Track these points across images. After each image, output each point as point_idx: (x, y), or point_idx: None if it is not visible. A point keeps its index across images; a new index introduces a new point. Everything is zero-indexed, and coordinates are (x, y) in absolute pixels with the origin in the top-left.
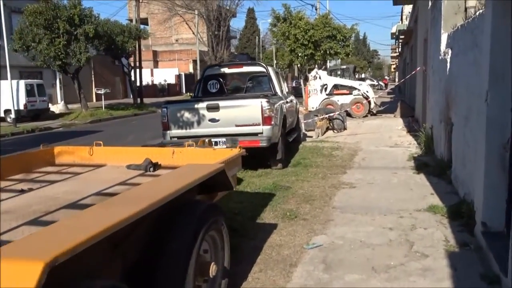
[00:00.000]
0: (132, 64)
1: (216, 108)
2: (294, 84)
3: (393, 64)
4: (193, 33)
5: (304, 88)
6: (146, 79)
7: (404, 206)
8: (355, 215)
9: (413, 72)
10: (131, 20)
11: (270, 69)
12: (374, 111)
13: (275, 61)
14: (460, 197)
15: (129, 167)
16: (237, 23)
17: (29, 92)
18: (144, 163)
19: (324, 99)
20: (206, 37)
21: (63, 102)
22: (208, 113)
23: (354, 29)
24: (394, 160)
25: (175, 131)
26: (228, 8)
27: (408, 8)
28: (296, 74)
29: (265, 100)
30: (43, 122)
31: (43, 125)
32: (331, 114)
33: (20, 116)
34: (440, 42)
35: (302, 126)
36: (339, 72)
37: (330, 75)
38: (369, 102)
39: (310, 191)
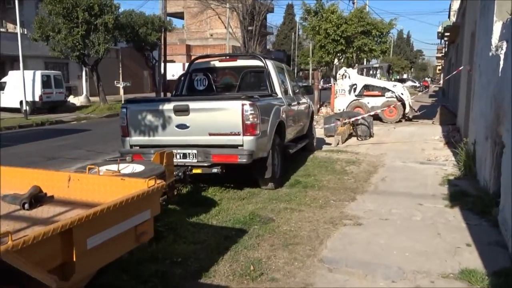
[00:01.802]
0: (157, 58)
1: (185, 111)
2: (322, 84)
3: (439, 65)
4: (225, 27)
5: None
6: (179, 72)
7: (424, 266)
8: (349, 276)
9: (455, 72)
10: (168, 14)
11: (269, 63)
12: (410, 116)
13: (311, 59)
14: (511, 254)
15: (4, 197)
16: (276, 20)
17: (45, 84)
18: (27, 193)
19: (353, 101)
20: (240, 32)
21: (84, 94)
22: (176, 117)
23: (392, 24)
24: (422, 183)
25: (136, 138)
26: (262, 2)
27: (457, 4)
28: (334, 73)
29: (249, 102)
30: (58, 115)
31: (55, 118)
32: (356, 119)
33: (36, 108)
34: (492, 34)
35: (315, 132)
36: (371, 71)
37: (361, 74)
38: (404, 106)
39: (297, 229)
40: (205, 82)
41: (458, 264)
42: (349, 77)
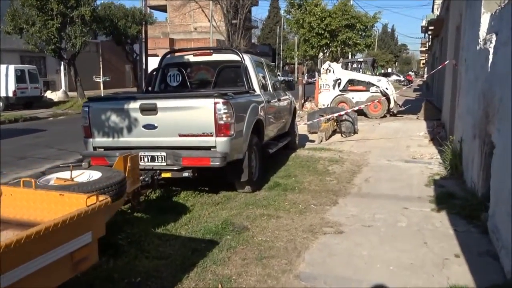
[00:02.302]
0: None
1: (152, 110)
2: (306, 78)
3: (422, 59)
4: (209, 20)
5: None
6: None
7: (410, 281)
8: None
9: (440, 67)
10: (150, 7)
11: (247, 57)
12: (394, 111)
13: (297, 52)
14: (503, 267)
15: None
16: (261, 13)
17: (20, 78)
18: None
19: (337, 96)
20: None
21: (62, 89)
22: (143, 116)
23: (376, 17)
24: (407, 183)
25: (99, 140)
26: None
27: None
28: (319, 67)
29: (222, 100)
30: (33, 111)
31: (30, 114)
32: (339, 114)
33: (10, 104)
34: (480, 26)
35: (298, 129)
36: (355, 66)
37: (346, 68)
38: (389, 100)
39: (273, 239)
40: (178, 77)
41: (446, 279)
42: (333, 72)
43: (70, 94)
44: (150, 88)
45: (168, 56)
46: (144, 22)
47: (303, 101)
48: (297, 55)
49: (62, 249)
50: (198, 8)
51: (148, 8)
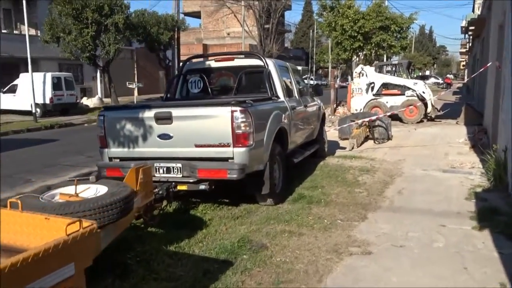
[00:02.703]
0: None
1: (167, 119)
2: (339, 82)
3: (462, 61)
4: (241, 25)
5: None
6: None
7: None
8: None
9: (482, 69)
10: (185, 14)
11: (270, 62)
12: (432, 116)
13: (330, 56)
14: None
15: None
16: (294, 17)
17: (56, 86)
18: None
19: (370, 100)
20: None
21: (98, 96)
22: (158, 125)
23: (412, 18)
24: (445, 197)
25: (115, 150)
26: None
27: None
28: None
29: (239, 108)
30: (69, 117)
31: (66, 121)
32: (371, 119)
33: (47, 111)
34: None
35: (327, 136)
36: (390, 69)
37: (379, 71)
38: (426, 105)
39: (293, 260)
40: (200, 84)
41: None
42: (366, 75)
43: (105, 100)
44: (170, 95)
45: (189, 62)
46: (176, 29)
47: (335, 105)
48: (330, 59)
49: (36, 285)
50: (231, 13)
51: (182, 15)
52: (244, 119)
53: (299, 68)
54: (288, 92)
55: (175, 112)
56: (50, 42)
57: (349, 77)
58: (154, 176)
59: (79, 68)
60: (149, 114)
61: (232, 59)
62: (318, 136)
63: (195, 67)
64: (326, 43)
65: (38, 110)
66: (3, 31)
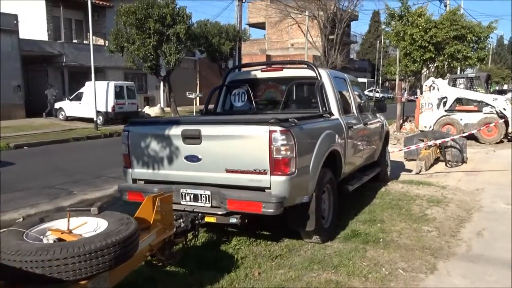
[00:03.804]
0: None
1: (196, 138)
2: (406, 95)
3: None
4: (305, 36)
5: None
6: None
7: None
8: None
9: None
10: (250, 25)
11: (324, 73)
12: None
13: (398, 68)
14: None
15: None
16: (361, 28)
17: (118, 94)
18: None
19: (442, 117)
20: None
21: (159, 105)
22: (185, 145)
23: (492, 27)
24: None
25: (139, 171)
26: (344, 9)
27: None
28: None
29: (280, 128)
30: None
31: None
32: (444, 140)
33: (109, 119)
34: None
35: (390, 157)
36: (465, 82)
37: (453, 85)
38: (507, 123)
39: None
40: (244, 97)
41: None
42: (437, 89)
43: (167, 109)
44: (213, 109)
45: (234, 72)
46: (238, 39)
47: (401, 121)
48: (398, 70)
49: None
50: (295, 24)
51: (246, 25)
52: (285, 142)
53: (364, 80)
54: (344, 108)
55: (205, 130)
56: (115, 51)
57: (418, 91)
58: (180, 204)
59: (143, 77)
60: (176, 131)
61: (281, 69)
62: (380, 157)
63: (239, 78)
64: (393, 54)
65: (101, 117)
66: (73, 41)
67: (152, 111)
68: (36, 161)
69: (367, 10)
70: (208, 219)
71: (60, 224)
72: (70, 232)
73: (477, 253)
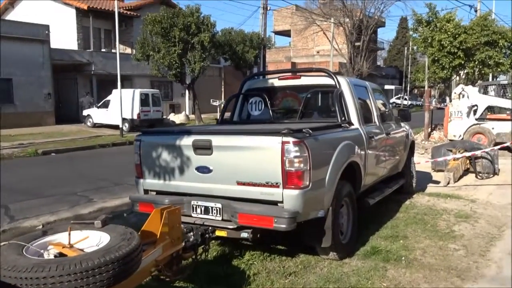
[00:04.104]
0: None
1: (207, 149)
2: (434, 103)
3: None
4: (330, 42)
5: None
6: None
7: None
8: None
9: None
10: (275, 33)
11: (343, 81)
12: None
13: (426, 75)
14: None
15: None
16: (388, 34)
17: (144, 102)
18: None
19: (472, 126)
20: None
21: (184, 112)
22: (196, 156)
23: None
24: None
25: (150, 181)
26: (371, 16)
27: None
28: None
29: (293, 139)
30: None
31: None
32: (474, 153)
33: (134, 126)
34: None
35: (415, 168)
36: (495, 89)
37: (484, 92)
38: None
39: None
40: (260, 105)
41: None
42: (467, 96)
43: (192, 117)
44: (229, 118)
45: (250, 80)
46: (262, 47)
47: (429, 130)
48: (427, 77)
49: None
50: (320, 31)
51: (272, 33)
52: (298, 153)
53: (392, 87)
54: (365, 117)
55: (216, 140)
56: (141, 60)
57: (447, 98)
58: (191, 216)
59: (169, 85)
60: (187, 141)
61: (299, 77)
62: (405, 169)
63: (256, 86)
64: (422, 61)
65: (126, 124)
66: (102, 50)
67: (177, 118)
68: (61, 167)
69: (394, 16)
70: (219, 233)
71: (63, 237)
72: (71, 246)
73: (508, 275)
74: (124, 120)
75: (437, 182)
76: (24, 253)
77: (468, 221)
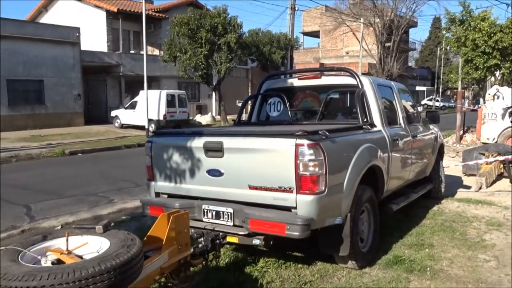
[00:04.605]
0: None
1: (218, 151)
2: (466, 105)
3: None
4: (359, 43)
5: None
6: None
7: None
8: None
9: None
10: (304, 34)
11: (366, 80)
12: None
13: (460, 76)
14: None
15: None
16: (421, 35)
17: (170, 103)
18: None
19: (507, 128)
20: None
21: (210, 113)
22: (207, 158)
23: None
24: None
25: (162, 184)
26: (402, 16)
27: None
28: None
29: (308, 142)
30: None
31: None
32: (508, 158)
33: (160, 126)
34: None
35: (444, 172)
36: None
37: None
38: None
39: None
40: (279, 106)
41: None
42: (502, 98)
43: (218, 118)
44: (247, 119)
45: (269, 80)
46: (290, 47)
47: (461, 132)
48: (460, 78)
49: None
50: (350, 31)
51: (301, 34)
52: (313, 157)
53: (423, 88)
54: (389, 118)
55: (227, 142)
56: (168, 61)
57: (481, 100)
58: (202, 220)
59: (196, 86)
60: (198, 143)
61: (319, 77)
62: (433, 173)
63: (275, 86)
64: (455, 62)
65: (153, 125)
66: (131, 51)
67: (203, 119)
68: (86, 167)
69: (427, 15)
70: (230, 239)
71: (62, 243)
72: (69, 253)
73: None
74: (150, 121)
75: (468, 187)
76: (20, 259)
77: (501, 229)
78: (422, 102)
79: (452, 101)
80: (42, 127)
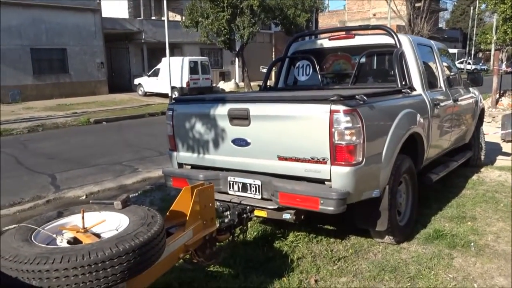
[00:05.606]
0: None
1: (243, 119)
2: (504, 67)
3: None
4: (388, 4)
5: None
6: None
7: None
8: None
9: None
10: None
11: (405, 39)
12: None
13: (494, 36)
14: None
15: None
16: None
17: (193, 70)
18: None
19: None
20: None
21: (234, 80)
22: (232, 127)
23: None
24: None
25: (184, 155)
26: None
27: None
28: None
29: (344, 108)
30: None
31: None
32: None
33: (183, 94)
34: None
35: (484, 139)
36: None
37: None
38: None
39: None
40: (308, 70)
41: None
42: None
43: (241, 84)
44: (273, 84)
45: (297, 41)
46: (315, 10)
47: (497, 96)
48: (494, 39)
49: None
50: None
51: None
52: (350, 124)
53: (454, 51)
54: (429, 81)
55: (254, 109)
56: (190, 27)
57: None
58: (227, 193)
59: (219, 52)
60: (222, 111)
61: (352, 37)
62: (472, 139)
63: (303, 48)
64: (489, 22)
65: (176, 93)
66: (152, 17)
67: (226, 86)
68: (110, 136)
69: None
70: (258, 213)
71: (78, 219)
72: (85, 231)
73: None
74: (173, 88)
75: (508, 154)
76: (33, 239)
77: None
78: None
79: (484, 64)
80: (67, 96)
